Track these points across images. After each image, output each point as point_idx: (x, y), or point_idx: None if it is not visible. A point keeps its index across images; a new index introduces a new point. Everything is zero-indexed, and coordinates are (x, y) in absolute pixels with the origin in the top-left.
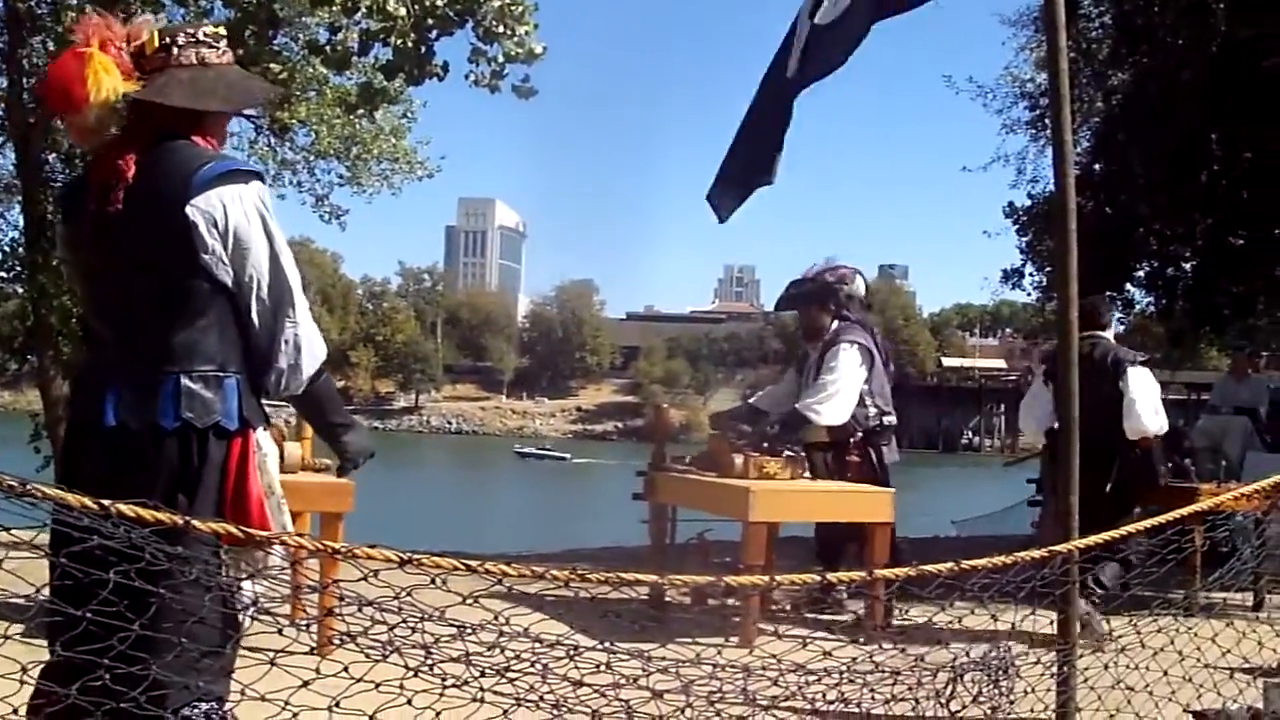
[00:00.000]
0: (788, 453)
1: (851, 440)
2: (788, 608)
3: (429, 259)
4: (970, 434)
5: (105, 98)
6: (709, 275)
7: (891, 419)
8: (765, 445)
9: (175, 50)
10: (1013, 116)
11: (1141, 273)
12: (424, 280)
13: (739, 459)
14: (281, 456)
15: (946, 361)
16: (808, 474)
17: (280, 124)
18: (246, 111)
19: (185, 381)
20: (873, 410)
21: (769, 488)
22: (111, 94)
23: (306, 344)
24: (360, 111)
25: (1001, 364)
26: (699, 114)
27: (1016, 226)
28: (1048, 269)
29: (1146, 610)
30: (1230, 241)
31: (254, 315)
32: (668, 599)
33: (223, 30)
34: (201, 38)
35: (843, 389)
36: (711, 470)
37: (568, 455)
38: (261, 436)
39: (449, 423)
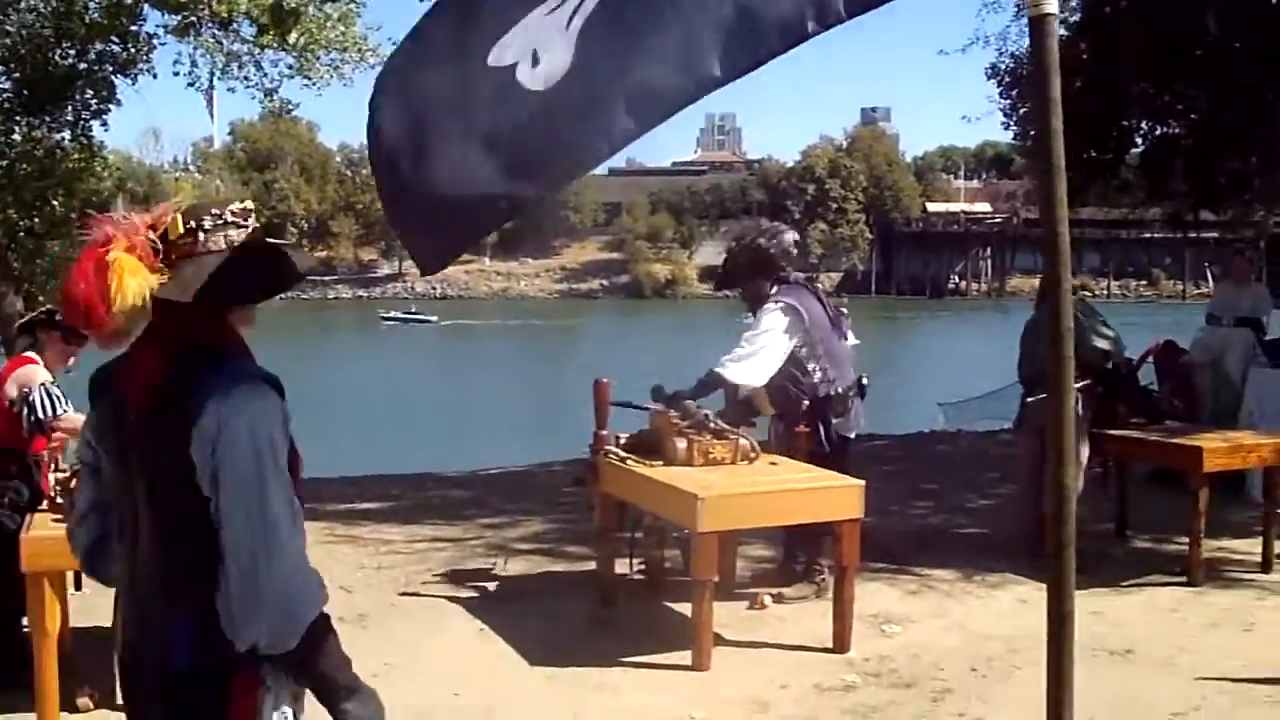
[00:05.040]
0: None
1: (800, 411)
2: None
3: None
4: (956, 278)
5: (131, 304)
6: (690, 124)
7: (842, 385)
8: (713, 424)
9: (202, 235)
10: None
11: (1135, 150)
12: None
13: (681, 443)
14: None
15: (931, 207)
16: (754, 456)
17: (219, 17)
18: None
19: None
20: (818, 375)
21: (719, 492)
22: (137, 299)
23: (273, 595)
24: (271, 34)
25: (987, 207)
26: None
27: (1000, 88)
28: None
29: None
30: (1224, 116)
31: (227, 553)
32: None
33: (250, 204)
34: (229, 218)
35: (761, 349)
36: (654, 454)
37: (434, 317)
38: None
39: (434, 288)
